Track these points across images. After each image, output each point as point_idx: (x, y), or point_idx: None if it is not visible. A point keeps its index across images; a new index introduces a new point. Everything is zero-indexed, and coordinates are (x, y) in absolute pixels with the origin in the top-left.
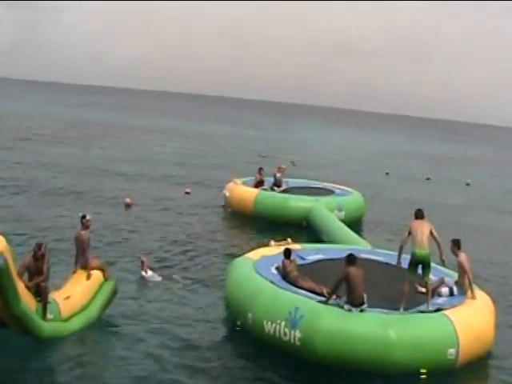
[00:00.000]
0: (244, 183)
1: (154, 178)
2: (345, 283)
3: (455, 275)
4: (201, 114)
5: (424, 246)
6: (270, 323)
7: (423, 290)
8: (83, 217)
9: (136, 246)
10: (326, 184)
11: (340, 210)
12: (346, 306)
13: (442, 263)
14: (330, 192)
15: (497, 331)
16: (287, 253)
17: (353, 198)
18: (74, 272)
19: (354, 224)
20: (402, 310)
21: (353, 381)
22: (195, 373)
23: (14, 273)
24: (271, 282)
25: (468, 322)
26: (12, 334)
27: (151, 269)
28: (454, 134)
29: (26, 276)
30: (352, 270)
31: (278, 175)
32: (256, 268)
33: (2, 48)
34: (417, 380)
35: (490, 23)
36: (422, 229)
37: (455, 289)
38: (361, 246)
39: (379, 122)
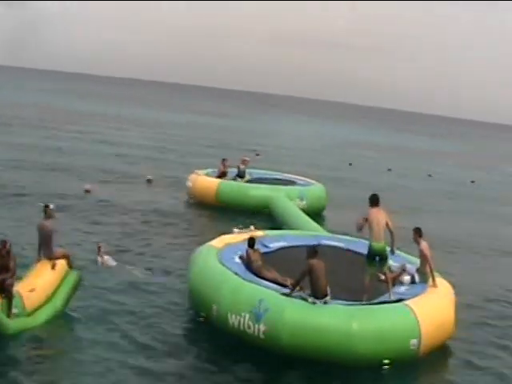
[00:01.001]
0: (207, 174)
1: (115, 165)
2: (308, 276)
3: (417, 262)
4: (166, 102)
5: (381, 238)
6: (234, 316)
7: (383, 277)
8: (46, 206)
9: (95, 233)
10: (289, 175)
11: (301, 199)
12: (310, 299)
13: (391, 254)
14: (292, 183)
15: (457, 318)
16: (251, 242)
17: (314, 189)
18: (38, 261)
19: (316, 214)
20: (364, 301)
21: (317, 373)
22: (157, 365)
23: None
24: (235, 272)
25: (429, 311)
26: None
27: (107, 255)
28: (423, 126)
29: None
30: (315, 262)
31: (242, 167)
32: (220, 257)
33: None
34: (380, 371)
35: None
36: (379, 220)
37: (417, 276)
38: (321, 233)
39: (346, 113)
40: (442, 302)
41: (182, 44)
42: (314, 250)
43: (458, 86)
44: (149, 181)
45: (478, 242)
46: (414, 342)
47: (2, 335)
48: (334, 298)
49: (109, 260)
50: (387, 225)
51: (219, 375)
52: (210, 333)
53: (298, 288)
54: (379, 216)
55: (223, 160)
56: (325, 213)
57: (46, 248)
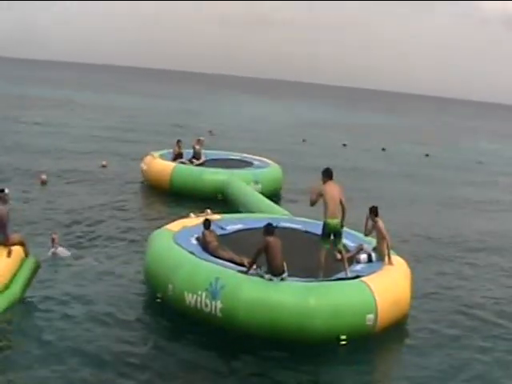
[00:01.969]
0: (162, 156)
1: (68, 152)
2: (264, 253)
3: (373, 242)
4: (121, 86)
5: (336, 215)
6: (190, 294)
7: (339, 256)
8: (1, 191)
9: (49, 221)
10: (245, 155)
11: (256, 182)
12: (267, 276)
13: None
14: (247, 164)
15: (412, 294)
16: (207, 223)
17: (270, 171)
18: None
19: (273, 196)
20: (321, 277)
21: (275, 350)
22: (115, 349)
23: None
24: (191, 252)
25: (385, 287)
26: None
27: (62, 246)
28: (379, 104)
29: None
30: (271, 239)
31: (197, 147)
32: (176, 239)
33: None
34: (337, 347)
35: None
36: (334, 195)
37: (373, 255)
38: (279, 215)
39: (301, 93)
40: (397, 278)
41: (132, 29)
42: (270, 228)
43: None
44: (103, 166)
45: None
46: (370, 317)
47: None
48: (292, 275)
49: (62, 250)
50: (340, 201)
51: (178, 357)
52: (168, 314)
53: (254, 266)
54: (334, 191)
55: (178, 141)
56: (281, 193)
57: (0, 234)
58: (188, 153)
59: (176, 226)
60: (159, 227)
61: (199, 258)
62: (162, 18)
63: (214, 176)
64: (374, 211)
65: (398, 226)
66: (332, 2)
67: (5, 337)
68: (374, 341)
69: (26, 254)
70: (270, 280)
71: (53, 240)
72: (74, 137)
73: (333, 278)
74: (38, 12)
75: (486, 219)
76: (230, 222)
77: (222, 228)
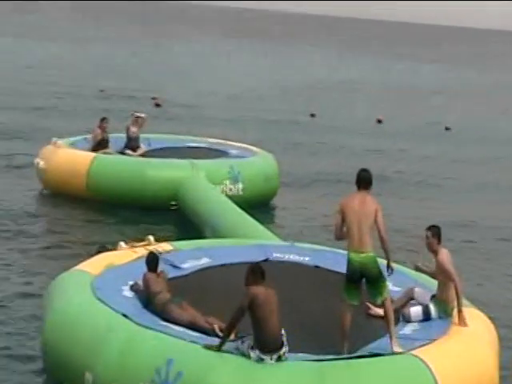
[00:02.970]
0: (73, 145)
1: None
2: (249, 314)
3: (433, 283)
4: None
5: (364, 244)
6: None
7: (380, 311)
8: None
9: None
10: (213, 140)
11: (235, 181)
12: (254, 354)
13: (389, 271)
14: (217, 153)
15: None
16: (151, 261)
17: (257, 162)
18: None
19: (261, 205)
20: (344, 353)
21: None
22: None
23: None
24: (123, 315)
25: (455, 366)
26: None
27: None
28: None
29: None
30: (260, 291)
31: (134, 130)
32: (96, 290)
33: None
34: None
35: None
36: (360, 215)
37: (432, 308)
38: (270, 241)
39: (301, 31)
40: (477, 349)
41: None
42: (257, 271)
43: None
44: None
45: None
46: None
47: None
48: (294, 349)
49: None
50: (377, 223)
51: None
52: None
53: (232, 336)
54: (362, 208)
55: (102, 120)
56: (275, 202)
57: None
58: (117, 139)
59: (95, 264)
60: (66, 268)
61: (137, 323)
62: None
63: (162, 171)
64: (436, 234)
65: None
66: None
67: None
68: None
69: None
70: (260, 360)
71: None
72: None
73: (364, 352)
74: None
75: None
76: (189, 255)
77: (176, 266)
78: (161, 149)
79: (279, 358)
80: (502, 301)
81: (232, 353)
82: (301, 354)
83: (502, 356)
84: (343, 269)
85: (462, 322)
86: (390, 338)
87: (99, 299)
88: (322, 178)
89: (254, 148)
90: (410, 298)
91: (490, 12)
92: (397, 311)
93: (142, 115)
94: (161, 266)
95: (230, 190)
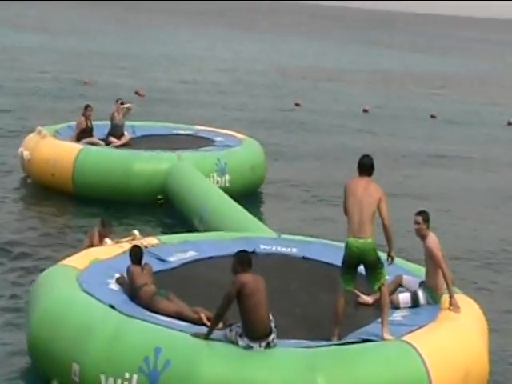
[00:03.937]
0: (57, 133)
1: None
2: (237, 302)
3: (421, 270)
4: None
5: (364, 230)
6: (111, 379)
7: (368, 299)
8: None
9: None
10: (199, 128)
11: (222, 172)
12: (242, 341)
13: (389, 261)
14: (203, 142)
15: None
16: (136, 254)
17: (243, 152)
18: None
19: (249, 195)
20: (335, 339)
21: None
22: None
23: None
24: (110, 306)
25: (446, 353)
26: None
27: None
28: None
29: None
30: (248, 278)
31: (118, 117)
32: (82, 283)
33: None
34: None
35: None
36: (363, 201)
37: (421, 295)
38: (259, 233)
39: (288, 20)
40: (466, 334)
41: None
42: (245, 258)
43: None
44: None
45: None
46: None
47: None
48: (283, 336)
49: None
50: (380, 209)
51: None
52: None
53: (220, 324)
54: (361, 190)
55: (86, 108)
56: (263, 189)
57: None
58: (101, 127)
59: (81, 259)
60: (53, 262)
61: (124, 314)
62: None
63: (148, 164)
64: (425, 219)
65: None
66: None
67: None
68: None
69: None
70: (248, 348)
71: None
72: None
73: (354, 339)
74: None
75: None
76: (175, 249)
77: (162, 260)
78: (145, 136)
79: (268, 345)
80: (491, 286)
81: (220, 341)
82: (290, 341)
83: (491, 342)
84: (331, 259)
85: (454, 307)
86: (382, 324)
87: (86, 292)
88: (309, 163)
89: (238, 135)
90: (398, 285)
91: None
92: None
93: (128, 105)
94: (147, 260)
95: (218, 182)
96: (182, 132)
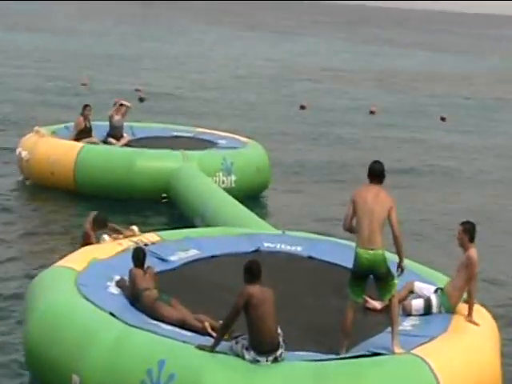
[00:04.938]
0: (55, 133)
1: None
2: (244, 314)
3: (435, 277)
4: None
5: (374, 241)
6: None
7: (376, 305)
8: None
9: None
10: (202, 130)
11: (228, 172)
12: (248, 355)
13: (399, 271)
14: (207, 144)
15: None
16: (138, 256)
17: (249, 153)
18: None
19: (253, 197)
20: (343, 353)
21: None
22: None
23: None
24: (111, 313)
25: (460, 367)
26: None
27: None
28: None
29: None
30: (255, 290)
31: (117, 118)
32: (81, 287)
33: None
34: None
35: None
36: (372, 211)
37: (435, 302)
38: (262, 229)
39: (293, 17)
40: (479, 348)
41: None
42: (254, 269)
43: None
44: None
45: None
46: None
47: None
48: (290, 347)
49: None
50: (390, 219)
51: None
52: None
53: (226, 336)
54: (376, 203)
55: (85, 107)
56: (267, 193)
57: None
58: (100, 127)
59: (79, 259)
60: (50, 263)
61: (126, 323)
62: None
63: (151, 162)
64: (468, 231)
65: None
66: None
67: None
68: None
69: None
70: (255, 362)
71: None
72: None
73: (364, 351)
74: None
75: None
76: (177, 247)
77: (163, 259)
78: (145, 138)
79: (275, 360)
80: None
81: (226, 353)
82: (297, 353)
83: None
84: (339, 259)
85: (470, 318)
86: (392, 337)
87: (85, 297)
88: (312, 167)
89: (242, 138)
90: (409, 292)
91: None
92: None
93: (127, 104)
94: (147, 259)
95: (223, 182)
96: (184, 134)
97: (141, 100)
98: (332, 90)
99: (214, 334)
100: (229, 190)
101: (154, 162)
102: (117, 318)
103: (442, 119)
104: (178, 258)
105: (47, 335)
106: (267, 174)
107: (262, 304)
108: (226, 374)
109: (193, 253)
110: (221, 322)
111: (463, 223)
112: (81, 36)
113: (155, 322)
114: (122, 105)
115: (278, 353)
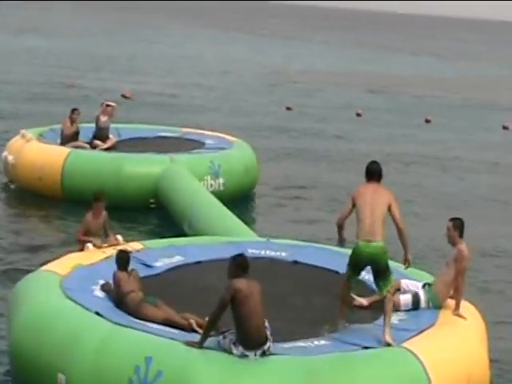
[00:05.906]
0: (42, 137)
1: None
2: (231, 308)
3: (421, 275)
4: None
5: (375, 233)
6: None
7: (363, 301)
8: None
9: None
10: (189, 130)
11: (216, 176)
12: (236, 349)
13: (406, 265)
14: (195, 144)
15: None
16: (122, 259)
17: (236, 154)
18: None
19: (242, 197)
20: (343, 323)
21: None
22: None
23: None
24: (97, 313)
25: (448, 359)
26: None
27: None
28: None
29: None
30: (242, 283)
31: (104, 119)
32: (66, 290)
33: None
34: None
35: None
36: (374, 204)
37: (423, 297)
38: (247, 237)
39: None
40: (466, 340)
41: None
42: (241, 262)
43: None
44: None
45: None
46: None
47: None
48: (277, 339)
49: None
50: (392, 213)
51: None
52: None
53: (213, 331)
54: (376, 196)
55: (73, 111)
56: (254, 193)
57: None
58: (87, 129)
59: (63, 264)
60: (34, 268)
61: (112, 321)
62: None
63: (139, 167)
64: (458, 227)
65: None
66: None
67: None
68: None
69: None
70: (243, 356)
71: None
72: None
73: (354, 342)
74: None
75: None
76: (161, 254)
77: (148, 265)
78: (132, 139)
79: (263, 354)
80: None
81: (214, 349)
82: (285, 344)
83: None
84: (324, 263)
85: (457, 312)
86: (384, 328)
87: (70, 298)
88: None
89: (229, 137)
90: (396, 290)
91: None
92: (378, 301)
93: (113, 104)
94: (132, 265)
95: (211, 185)
96: (170, 134)
97: (125, 97)
98: (317, 91)
99: (201, 331)
100: (217, 193)
101: (142, 167)
102: (103, 317)
103: (427, 121)
104: (162, 263)
105: (32, 335)
106: (255, 174)
107: (249, 298)
108: (213, 370)
109: (177, 259)
110: (207, 318)
111: (453, 219)
112: (68, 38)
113: (141, 321)
114: (108, 105)
115: (266, 346)
